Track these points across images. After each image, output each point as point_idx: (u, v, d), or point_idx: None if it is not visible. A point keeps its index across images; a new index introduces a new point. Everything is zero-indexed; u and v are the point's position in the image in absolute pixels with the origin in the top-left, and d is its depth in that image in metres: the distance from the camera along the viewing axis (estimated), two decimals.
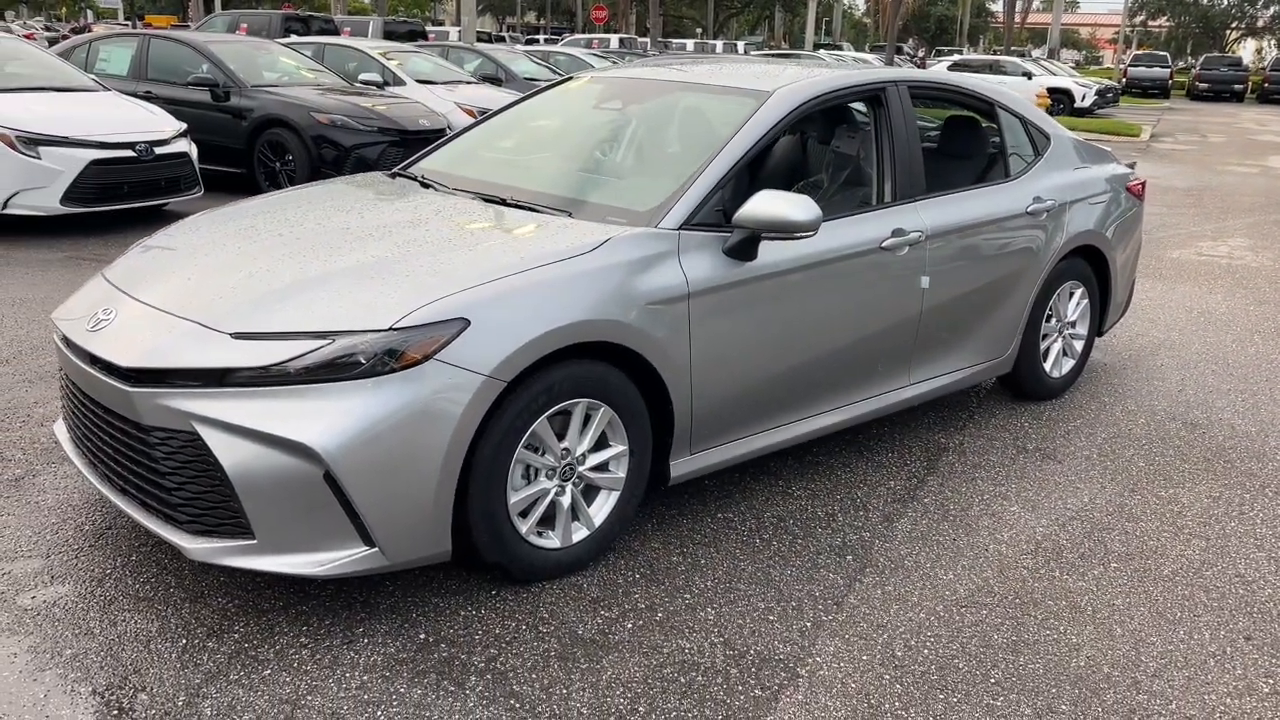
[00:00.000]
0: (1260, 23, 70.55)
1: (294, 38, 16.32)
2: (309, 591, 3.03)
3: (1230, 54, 54.04)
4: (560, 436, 3.09)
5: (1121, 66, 44.21)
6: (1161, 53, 46.50)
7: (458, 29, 26.96)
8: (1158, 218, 10.91)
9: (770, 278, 3.48)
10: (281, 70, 11.15)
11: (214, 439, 2.67)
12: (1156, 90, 40.43)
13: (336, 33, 21.33)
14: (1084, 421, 4.76)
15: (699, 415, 3.39)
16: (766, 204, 3.31)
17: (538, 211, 3.47)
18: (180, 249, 3.40)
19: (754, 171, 4.91)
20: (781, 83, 3.87)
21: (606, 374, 3.11)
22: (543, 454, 3.06)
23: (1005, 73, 28.33)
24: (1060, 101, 26.94)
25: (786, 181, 4.84)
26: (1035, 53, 48.20)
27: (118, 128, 8.05)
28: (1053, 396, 5.03)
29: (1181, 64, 67.01)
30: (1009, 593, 3.23)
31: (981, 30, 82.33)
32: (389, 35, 23.08)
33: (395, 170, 4.26)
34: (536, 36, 50.74)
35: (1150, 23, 79.39)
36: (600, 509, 3.25)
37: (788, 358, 3.61)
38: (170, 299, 2.99)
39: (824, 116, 4.90)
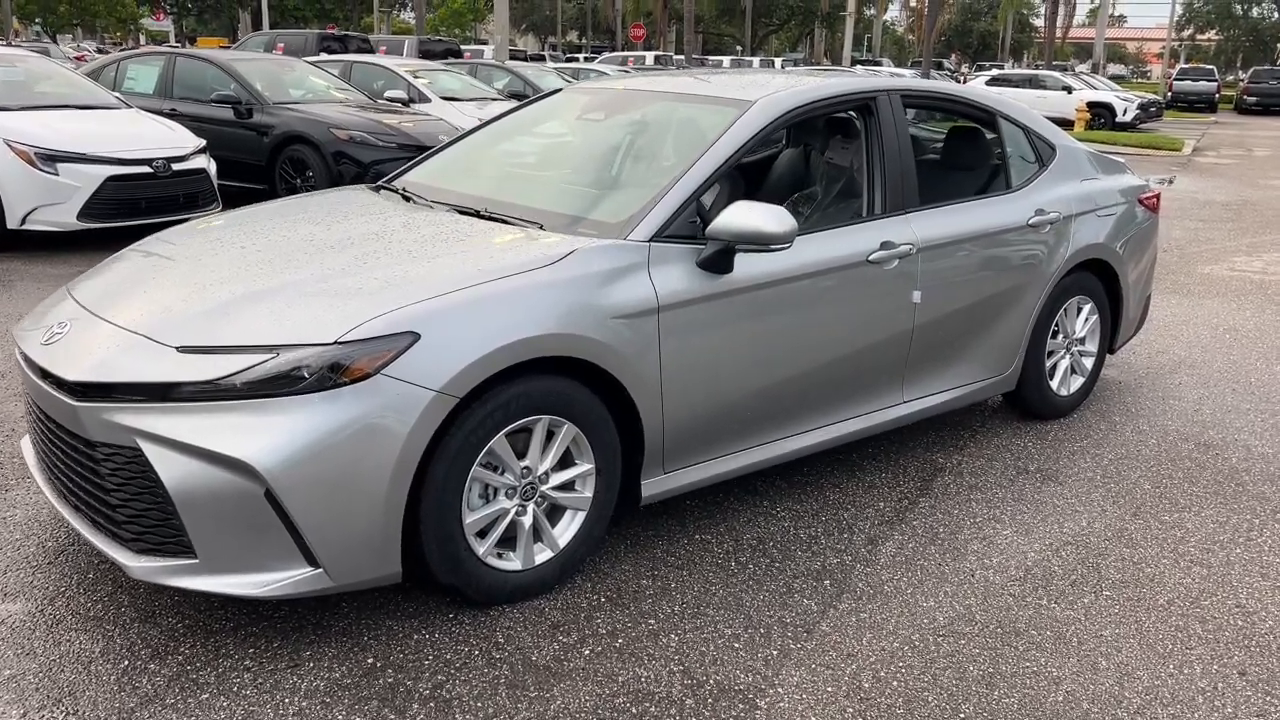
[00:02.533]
0: None
1: (324, 56, 16.48)
2: (261, 612, 2.96)
3: None
4: (521, 454, 3.00)
5: (1168, 80, 43.50)
6: (1208, 66, 45.74)
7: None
8: (1192, 232, 10.64)
9: (747, 291, 3.37)
10: (307, 88, 11.24)
11: (155, 455, 2.61)
12: (1203, 104, 39.77)
13: (373, 51, 21.55)
14: (1091, 441, 4.58)
15: (671, 433, 3.28)
16: (739, 215, 3.21)
17: (509, 223, 3.39)
18: (144, 263, 3.36)
19: (749, 182, 4.82)
20: (765, 92, 3.77)
21: (570, 390, 3.02)
22: (502, 472, 2.97)
23: (1045, 87, 28.00)
24: (1101, 116, 26.55)
25: (782, 193, 4.74)
26: (1080, 67, 47.59)
27: (136, 144, 8.13)
28: (1060, 415, 4.86)
29: (1231, 77, 65.89)
30: (991, 621, 3.08)
31: (1025, 45, 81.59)
32: (426, 54, 23.28)
33: (380, 183, 4.21)
34: (577, 55, 51.05)
35: (1199, 36, 78.23)
36: (565, 530, 3.15)
37: (767, 373, 3.50)
38: (123, 313, 2.94)
39: (822, 127, 4.80)
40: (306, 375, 2.62)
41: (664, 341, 3.18)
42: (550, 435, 3.04)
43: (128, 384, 2.69)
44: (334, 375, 2.62)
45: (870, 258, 3.74)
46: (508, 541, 3.04)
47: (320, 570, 2.67)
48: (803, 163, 5.13)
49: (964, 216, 4.14)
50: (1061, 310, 4.69)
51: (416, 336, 2.71)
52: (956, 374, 4.26)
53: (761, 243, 3.21)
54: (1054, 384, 4.77)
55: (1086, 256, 4.65)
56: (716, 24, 65.89)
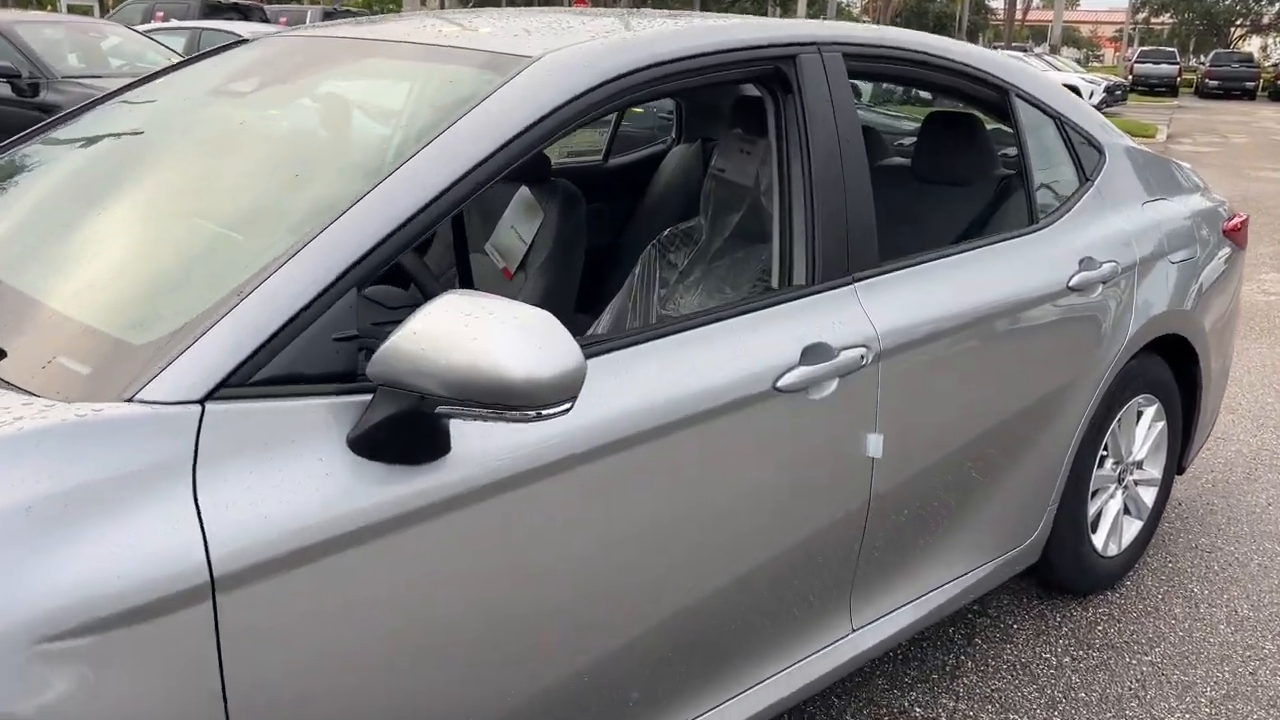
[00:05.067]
0: (1265, 19, 68.79)
1: (173, 22, 14.41)
2: None
3: (1239, 50, 51.98)
4: None
5: (1127, 63, 42.14)
6: (1169, 49, 44.49)
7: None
8: None
9: (485, 498, 1.44)
10: (128, 59, 9.17)
11: None
12: (1164, 88, 38.41)
13: (269, 20, 19.34)
14: (1165, 651, 2.70)
15: None
16: (440, 334, 1.27)
17: None
18: None
19: (630, 198, 2.90)
20: (563, 43, 1.81)
21: None
22: None
23: None
24: None
25: (663, 224, 2.83)
26: (1037, 49, 46.18)
27: None
28: (1105, 587, 2.98)
29: (1184, 61, 65.08)
30: None
31: (981, 27, 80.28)
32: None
33: None
34: None
35: (1153, 20, 77.60)
36: None
37: (547, 664, 1.58)
38: None
39: (731, 109, 2.89)
40: None
41: (233, 670, 1.24)
42: None
43: None
44: None
45: (779, 383, 1.81)
46: None
47: None
48: (700, 171, 3.23)
49: (960, 282, 2.22)
50: (1115, 422, 2.80)
51: None
52: (943, 564, 2.36)
53: (493, 402, 1.27)
54: (1098, 540, 2.89)
55: (1158, 332, 2.77)
56: (665, 2, 63.88)
